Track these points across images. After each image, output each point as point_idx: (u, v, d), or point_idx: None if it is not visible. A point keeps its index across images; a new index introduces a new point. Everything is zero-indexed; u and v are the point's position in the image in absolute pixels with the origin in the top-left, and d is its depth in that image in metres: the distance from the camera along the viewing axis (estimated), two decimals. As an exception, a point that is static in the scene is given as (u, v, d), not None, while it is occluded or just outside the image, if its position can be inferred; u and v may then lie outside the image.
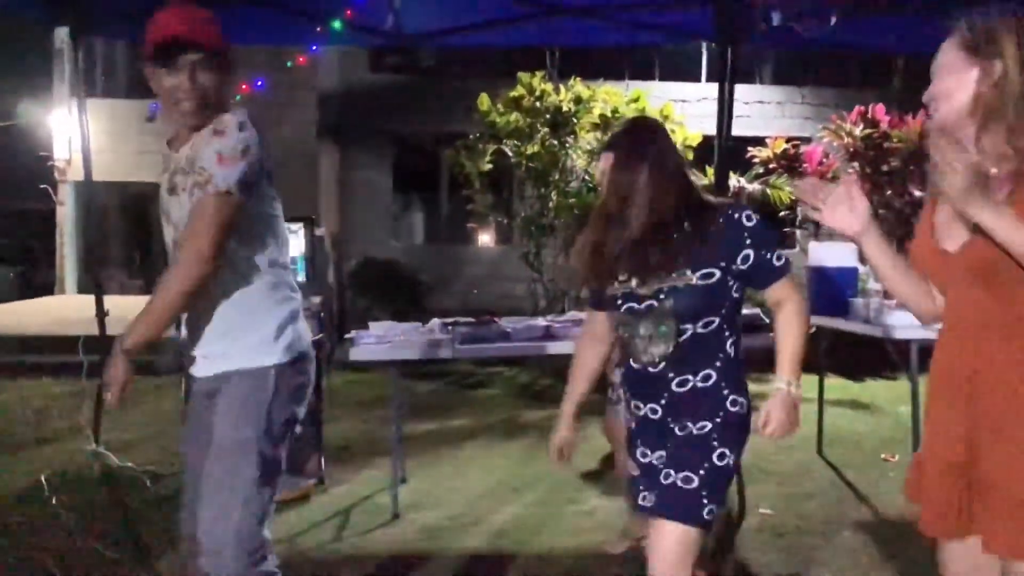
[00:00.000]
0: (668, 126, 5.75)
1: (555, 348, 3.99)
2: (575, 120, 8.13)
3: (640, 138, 2.22)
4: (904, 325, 3.95)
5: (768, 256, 2.10)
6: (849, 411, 6.33)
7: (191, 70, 2.04)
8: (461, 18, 4.99)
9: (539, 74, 8.32)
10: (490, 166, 8.43)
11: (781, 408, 2.08)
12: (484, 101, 8.35)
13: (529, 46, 8.05)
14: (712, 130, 5.05)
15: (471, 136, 8.57)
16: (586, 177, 8.03)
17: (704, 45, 10.48)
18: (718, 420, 2.11)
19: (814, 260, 4.62)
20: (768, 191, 9.23)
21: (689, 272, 2.08)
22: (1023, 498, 1.54)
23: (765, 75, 11.62)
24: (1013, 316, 1.57)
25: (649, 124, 2.34)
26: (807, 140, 10.44)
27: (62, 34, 7.77)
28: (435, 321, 4.24)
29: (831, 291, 4.43)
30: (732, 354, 2.14)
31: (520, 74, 8.32)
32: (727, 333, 2.14)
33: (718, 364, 2.12)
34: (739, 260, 2.09)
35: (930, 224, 1.75)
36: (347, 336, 4.16)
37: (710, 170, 5.26)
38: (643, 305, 2.13)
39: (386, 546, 3.64)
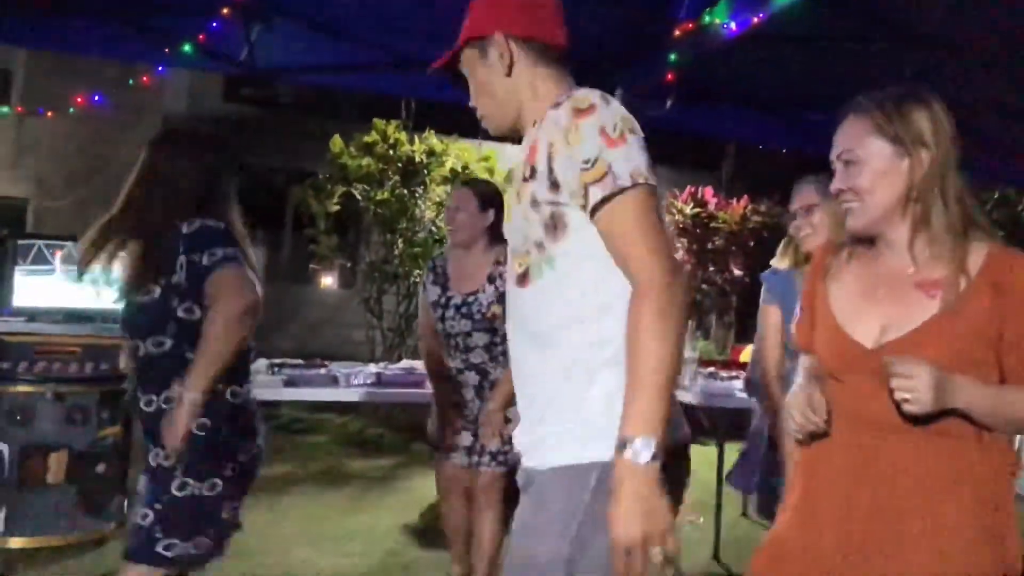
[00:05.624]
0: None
1: (385, 396, 3.96)
2: (427, 172, 8.22)
3: (164, 141, 2.19)
4: (715, 393, 4.21)
5: (198, 258, 1.99)
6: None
7: None
8: (316, 58, 4.97)
9: (394, 123, 8.38)
10: (337, 208, 8.36)
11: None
12: (337, 143, 8.31)
13: (384, 94, 8.12)
14: (555, 195, 5.27)
15: (321, 176, 8.49)
16: (433, 228, 8.10)
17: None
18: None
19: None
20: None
21: (147, 287, 2.03)
22: None
23: (610, 149, 12.26)
24: (933, 419, 1.42)
25: (188, 133, 2.33)
26: (644, 213, 11.03)
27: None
28: (261, 361, 4.09)
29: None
30: None
31: (375, 120, 8.35)
32: (189, 355, 2.03)
33: None
34: (177, 268, 2.00)
35: (825, 305, 1.59)
36: (166, 370, 3.94)
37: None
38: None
39: (188, 595, 3.44)
